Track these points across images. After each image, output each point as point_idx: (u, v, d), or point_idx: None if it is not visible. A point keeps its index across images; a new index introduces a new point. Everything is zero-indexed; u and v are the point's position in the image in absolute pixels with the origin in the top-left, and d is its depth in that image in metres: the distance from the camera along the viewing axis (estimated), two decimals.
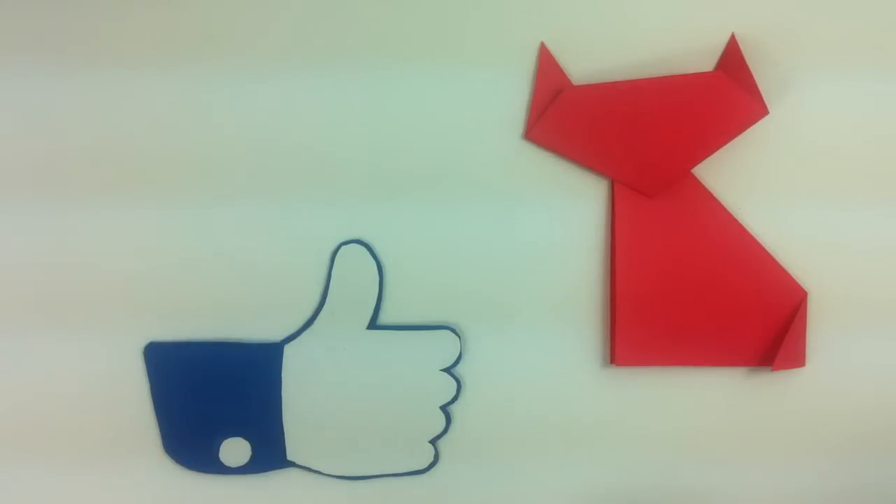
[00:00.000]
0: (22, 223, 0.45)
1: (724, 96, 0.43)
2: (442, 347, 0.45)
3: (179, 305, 0.45)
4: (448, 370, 0.45)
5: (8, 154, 0.44)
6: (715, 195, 0.45)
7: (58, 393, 0.45)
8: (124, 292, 0.45)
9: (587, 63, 0.45)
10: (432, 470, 0.45)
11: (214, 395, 0.44)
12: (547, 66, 0.44)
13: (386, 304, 0.45)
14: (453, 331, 0.45)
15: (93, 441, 0.45)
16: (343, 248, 0.45)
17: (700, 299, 0.44)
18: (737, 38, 0.44)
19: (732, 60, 0.44)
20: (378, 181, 0.45)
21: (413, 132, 0.45)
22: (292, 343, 0.45)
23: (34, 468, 0.45)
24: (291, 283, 0.45)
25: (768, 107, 0.43)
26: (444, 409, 0.45)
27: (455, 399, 0.45)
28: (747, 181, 0.45)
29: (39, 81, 0.44)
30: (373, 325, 0.45)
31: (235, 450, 0.45)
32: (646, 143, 0.44)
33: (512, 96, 0.45)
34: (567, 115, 0.44)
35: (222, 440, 0.45)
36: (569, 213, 0.45)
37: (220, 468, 0.45)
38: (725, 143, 0.44)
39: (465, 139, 0.45)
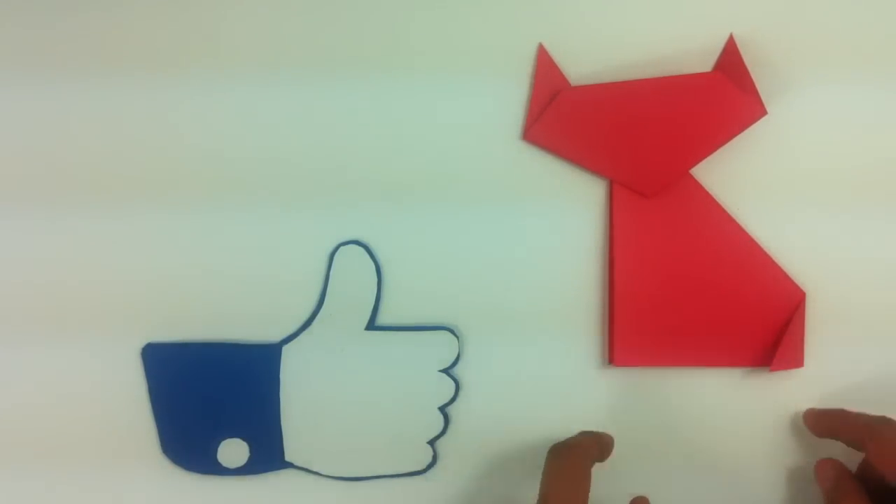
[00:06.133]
0: (21, 226, 0.45)
1: (722, 97, 0.43)
2: (440, 348, 0.45)
3: (177, 306, 0.45)
4: (446, 371, 0.45)
5: (7, 158, 0.45)
6: (713, 196, 0.45)
7: (56, 394, 0.45)
8: (122, 293, 0.45)
9: (585, 64, 0.45)
10: (431, 471, 0.45)
11: (213, 396, 0.44)
12: (545, 66, 0.44)
13: (384, 305, 0.45)
14: (451, 331, 0.45)
15: (91, 442, 0.45)
16: (341, 248, 0.45)
17: (698, 300, 0.44)
18: (735, 38, 0.44)
19: (731, 61, 0.44)
20: (376, 182, 0.45)
21: (411, 132, 0.45)
22: (291, 344, 0.44)
23: (32, 470, 0.45)
24: (290, 283, 0.45)
25: (767, 107, 0.43)
26: (443, 409, 0.45)
27: (453, 400, 0.45)
28: (745, 182, 0.45)
29: (39, 87, 0.44)
30: (371, 325, 0.45)
31: (234, 451, 0.45)
32: (644, 143, 0.44)
33: (510, 97, 0.45)
34: (565, 116, 0.44)
35: (220, 441, 0.44)
36: (567, 214, 0.45)
37: (218, 469, 0.45)
38: (724, 143, 0.44)
39: (464, 140, 0.45)
